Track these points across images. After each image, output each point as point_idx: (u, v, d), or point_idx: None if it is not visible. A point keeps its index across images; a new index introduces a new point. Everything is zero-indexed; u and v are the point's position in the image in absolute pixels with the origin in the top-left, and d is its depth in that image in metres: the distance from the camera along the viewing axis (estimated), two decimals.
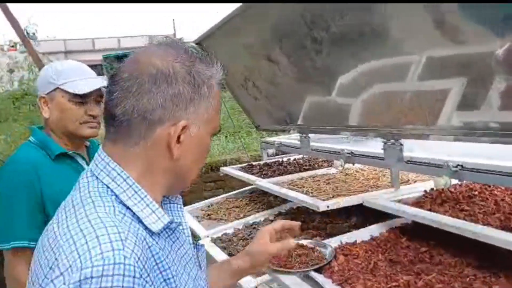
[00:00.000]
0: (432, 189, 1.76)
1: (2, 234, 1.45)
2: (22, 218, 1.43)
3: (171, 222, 0.79)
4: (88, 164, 1.52)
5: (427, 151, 1.86)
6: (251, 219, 2.37)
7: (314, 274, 1.46)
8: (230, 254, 1.95)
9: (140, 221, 0.75)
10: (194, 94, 0.79)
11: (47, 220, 1.44)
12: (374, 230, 1.75)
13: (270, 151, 3.11)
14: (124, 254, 0.65)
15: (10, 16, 5.28)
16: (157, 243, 0.75)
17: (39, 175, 1.45)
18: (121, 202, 0.76)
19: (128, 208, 0.76)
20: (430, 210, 1.56)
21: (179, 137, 0.78)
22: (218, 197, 3.01)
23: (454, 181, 1.66)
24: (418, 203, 1.65)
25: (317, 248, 1.60)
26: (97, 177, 0.78)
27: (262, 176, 2.70)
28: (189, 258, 0.87)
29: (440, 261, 1.40)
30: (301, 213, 2.26)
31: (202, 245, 1.01)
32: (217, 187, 5.36)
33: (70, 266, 0.64)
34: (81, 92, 1.49)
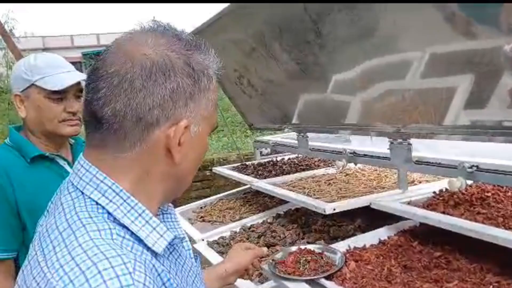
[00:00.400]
0: (441, 190, 1.70)
1: None
2: None
3: (174, 238, 0.68)
4: (71, 166, 1.42)
5: (431, 151, 1.81)
6: (248, 221, 2.28)
7: (325, 282, 1.37)
8: None
9: (141, 241, 0.64)
10: (194, 88, 0.68)
11: (24, 227, 1.34)
12: (382, 233, 1.68)
13: (265, 150, 3.03)
14: None
15: None
16: (162, 265, 0.65)
17: (11, 180, 1.32)
18: (115, 221, 0.64)
19: (125, 227, 0.64)
20: (443, 212, 1.49)
21: (179, 138, 0.67)
22: (211, 198, 2.91)
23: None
24: (430, 205, 1.58)
25: (326, 253, 1.52)
26: (82, 192, 0.66)
27: (258, 176, 2.61)
28: (195, 275, 0.78)
29: (458, 267, 1.34)
30: (301, 215, 2.17)
31: (197, 256, 0.94)
32: (203, 187, 5.27)
33: None
34: (58, 88, 1.36)
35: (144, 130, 0.65)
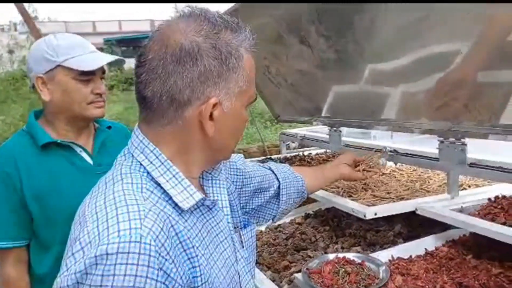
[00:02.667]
0: (497, 197, 1.51)
1: None
2: (2, 217, 1.29)
3: (204, 199, 0.79)
4: (88, 153, 1.39)
5: (484, 152, 1.61)
6: None
7: None
8: (256, 262, 1.71)
9: (170, 198, 0.75)
10: (222, 68, 0.75)
11: (31, 215, 1.26)
12: (428, 243, 1.51)
13: (293, 144, 2.85)
14: (140, 233, 0.64)
15: None
16: (186, 221, 0.75)
17: (19, 168, 1.28)
18: (153, 179, 0.75)
19: (158, 185, 0.75)
20: (505, 223, 1.30)
21: (211, 114, 0.76)
22: None
23: None
24: (488, 214, 1.40)
25: (367, 263, 1.36)
26: (132, 155, 0.79)
27: None
28: (224, 237, 0.85)
29: None
30: (333, 216, 2.01)
31: (252, 223, 1.01)
32: None
33: (90, 242, 0.64)
34: (88, 68, 1.31)
35: (178, 109, 0.75)
